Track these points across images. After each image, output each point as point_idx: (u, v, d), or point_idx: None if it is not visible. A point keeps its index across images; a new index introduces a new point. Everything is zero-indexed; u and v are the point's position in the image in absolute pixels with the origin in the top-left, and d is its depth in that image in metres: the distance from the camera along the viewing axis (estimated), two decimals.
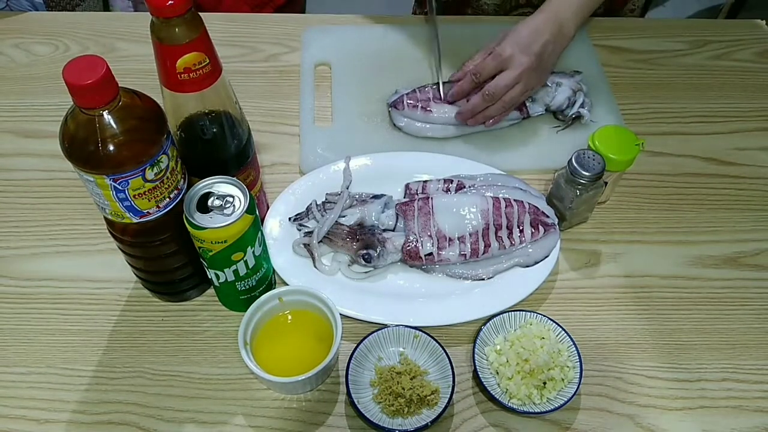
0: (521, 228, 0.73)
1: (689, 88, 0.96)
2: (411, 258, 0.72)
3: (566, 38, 0.82)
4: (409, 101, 0.85)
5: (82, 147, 0.53)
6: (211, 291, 0.72)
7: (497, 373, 0.66)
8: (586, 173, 0.70)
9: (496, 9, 1.07)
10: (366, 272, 0.72)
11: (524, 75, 0.79)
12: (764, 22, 1.06)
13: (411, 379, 0.63)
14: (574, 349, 0.65)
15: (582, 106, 0.87)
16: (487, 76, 0.81)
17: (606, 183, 0.74)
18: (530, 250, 0.73)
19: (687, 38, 1.03)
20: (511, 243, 0.73)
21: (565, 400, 0.62)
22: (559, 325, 0.67)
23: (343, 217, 0.74)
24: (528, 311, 0.69)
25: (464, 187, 0.77)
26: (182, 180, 0.61)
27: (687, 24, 1.07)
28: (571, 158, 0.71)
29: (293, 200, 0.77)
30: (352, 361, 0.64)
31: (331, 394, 0.65)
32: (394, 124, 0.86)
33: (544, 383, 0.64)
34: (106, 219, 0.62)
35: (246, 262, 0.63)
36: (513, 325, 0.69)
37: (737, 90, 0.95)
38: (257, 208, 0.62)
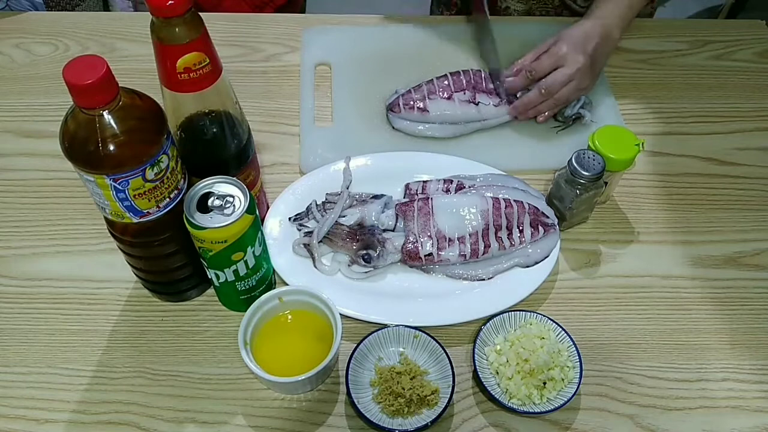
0: (521, 228, 0.73)
1: (689, 88, 0.96)
2: (411, 258, 0.72)
3: (613, 42, 0.85)
4: (405, 103, 0.85)
5: (82, 147, 0.53)
6: (211, 291, 0.72)
7: (497, 373, 0.66)
8: (586, 173, 0.70)
9: (520, 11, 1.08)
10: (366, 272, 0.72)
11: (578, 74, 0.82)
12: (764, 22, 1.06)
13: (411, 379, 0.63)
14: (574, 349, 0.65)
15: (582, 106, 0.87)
16: (543, 73, 0.83)
17: (606, 183, 0.74)
18: (530, 251, 0.73)
19: (687, 38, 1.03)
20: (511, 243, 0.73)
21: (565, 400, 0.62)
22: (559, 325, 0.67)
23: (343, 217, 0.74)
24: (528, 311, 0.69)
25: (464, 187, 0.77)
26: (182, 180, 0.61)
27: (687, 24, 1.07)
28: (571, 158, 0.71)
29: (293, 200, 0.77)
30: (352, 361, 0.64)
31: (331, 394, 0.65)
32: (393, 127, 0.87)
33: (544, 383, 0.64)
34: (106, 219, 0.62)
35: (246, 262, 0.63)
36: (513, 325, 0.69)
37: (737, 90, 0.95)
38: (257, 208, 0.62)
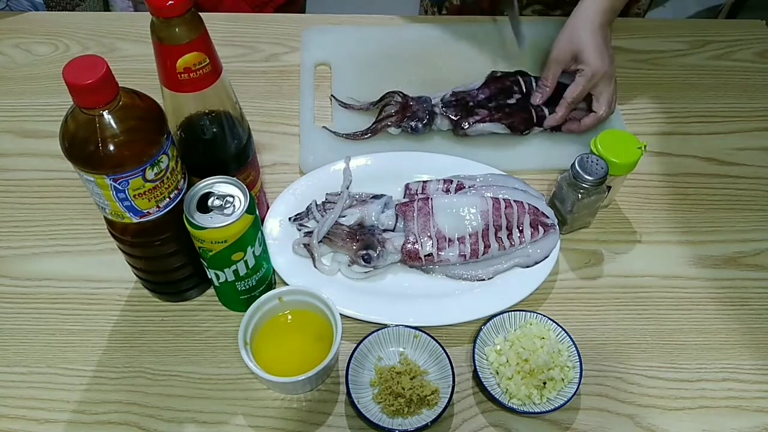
0: (521, 229, 0.73)
1: (689, 88, 0.96)
2: (410, 258, 0.72)
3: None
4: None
5: (82, 147, 0.53)
6: (211, 291, 0.72)
7: (497, 373, 0.66)
8: (589, 177, 0.70)
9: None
10: (366, 272, 0.72)
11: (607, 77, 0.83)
12: (764, 22, 1.06)
13: (411, 379, 0.63)
14: (574, 349, 0.65)
15: None
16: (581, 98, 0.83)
17: (609, 188, 0.74)
18: (530, 251, 0.73)
19: (687, 38, 1.03)
20: (511, 244, 0.73)
21: (565, 400, 0.62)
22: (559, 325, 0.67)
23: (343, 217, 0.74)
24: (528, 311, 0.69)
25: (464, 187, 0.77)
26: (182, 180, 0.61)
27: (687, 24, 1.07)
28: (574, 162, 0.71)
29: (293, 200, 0.77)
30: (352, 361, 0.64)
31: (331, 394, 0.65)
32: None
33: (544, 383, 0.64)
34: (106, 219, 0.62)
35: (246, 262, 0.63)
36: (513, 325, 0.69)
37: (737, 90, 0.95)
38: (257, 208, 0.62)
